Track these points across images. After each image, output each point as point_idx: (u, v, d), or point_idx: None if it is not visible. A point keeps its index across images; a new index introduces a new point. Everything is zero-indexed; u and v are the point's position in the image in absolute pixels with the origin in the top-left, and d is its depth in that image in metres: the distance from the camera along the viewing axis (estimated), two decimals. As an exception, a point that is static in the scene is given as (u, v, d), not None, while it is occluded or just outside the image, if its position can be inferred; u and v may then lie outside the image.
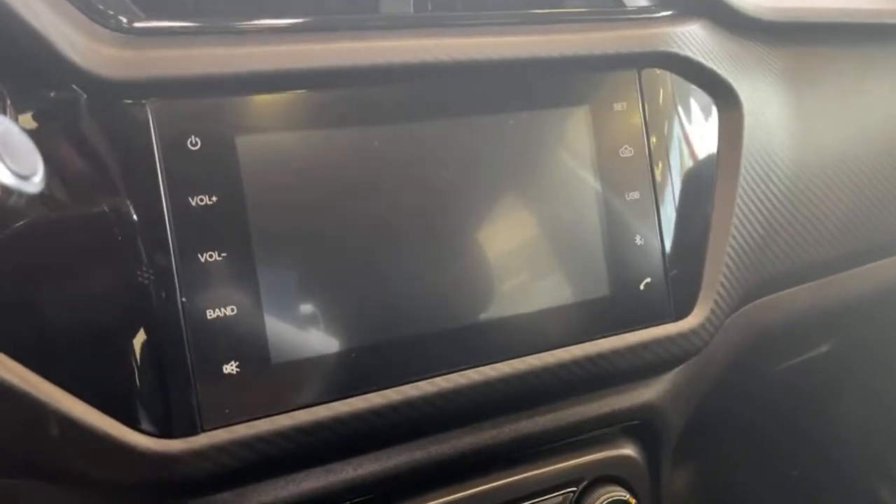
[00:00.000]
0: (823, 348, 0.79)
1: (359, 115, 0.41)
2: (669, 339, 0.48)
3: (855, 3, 0.64)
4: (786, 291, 0.59)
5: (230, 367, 0.38)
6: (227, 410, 0.38)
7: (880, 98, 0.65)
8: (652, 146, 0.49)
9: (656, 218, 0.49)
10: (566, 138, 0.47)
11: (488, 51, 0.44)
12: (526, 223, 0.46)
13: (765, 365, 0.73)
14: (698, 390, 0.56)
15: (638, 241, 0.48)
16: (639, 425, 0.52)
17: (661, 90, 0.50)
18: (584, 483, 0.49)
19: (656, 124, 0.50)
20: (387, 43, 0.42)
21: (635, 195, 0.48)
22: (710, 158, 0.53)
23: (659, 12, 0.52)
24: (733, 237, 0.53)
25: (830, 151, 0.60)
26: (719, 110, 0.53)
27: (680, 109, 0.51)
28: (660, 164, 0.50)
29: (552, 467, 0.48)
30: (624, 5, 0.52)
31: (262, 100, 0.39)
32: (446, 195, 0.43)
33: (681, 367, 0.52)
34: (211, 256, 0.38)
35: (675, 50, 0.50)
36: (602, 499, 0.48)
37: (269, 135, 0.39)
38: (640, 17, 0.51)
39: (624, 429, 0.52)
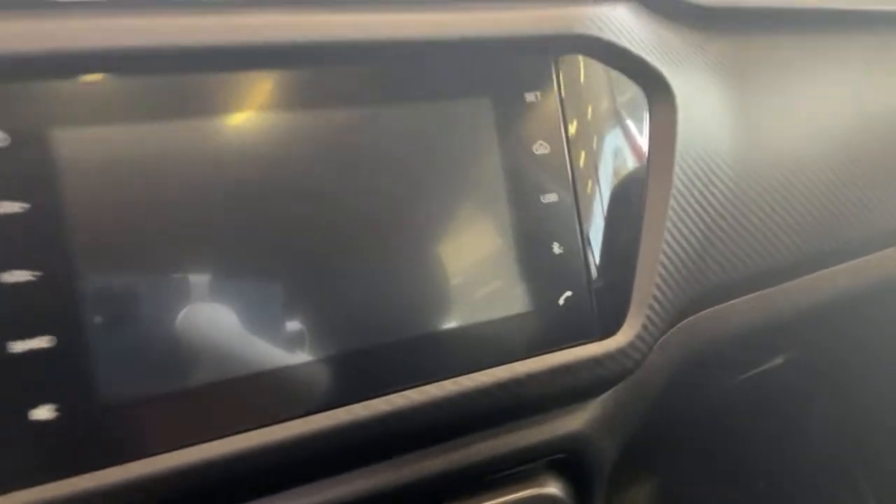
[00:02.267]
0: (779, 360, 0.73)
1: (201, 105, 0.35)
2: (595, 361, 0.42)
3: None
4: (731, 302, 0.53)
5: (43, 413, 0.31)
6: (36, 466, 0.31)
7: (834, 91, 0.60)
8: (571, 142, 0.43)
9: (577, 223, 0.43)
10: (471, 133, 0.41)
11: (375, 30, 0.38)
12: (423, 231, 0.39)
13: (716, 379, 0.68)
14: (634, 414, 0.50)
15: (556, 249, 0.42)
16: (565, 459, 0.46)
17: (582, 79, 0.44)
18: (499, 530, 0.43)
19: (576, 117, 0.44)
20: (251, 19, 0.36)
21: (552, 197, 0.43)
22: (639, 156, 0.47)
23: (580, -8, 0.46)
24: (668, 244, 0.47)
25: (779, 149, 0.55)
26: (650, 103, 0.48)
27: (604, 101, 0.45)
28: (580, 162, 0.44)
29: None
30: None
31: (87, 85, 0.33)
32: (323, 203, 0.37)
33: (612, 390, 0.46)
34: (20, 275, 0.31)
35: (597, 34, 0.44)
36: (518, 549, 0.42)
37: (94, 128, 0.33)
38: (557, -3, 0.45)
39: (548, 464, 0.46)
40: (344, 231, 0.37)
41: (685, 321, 0.50)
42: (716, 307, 0.52)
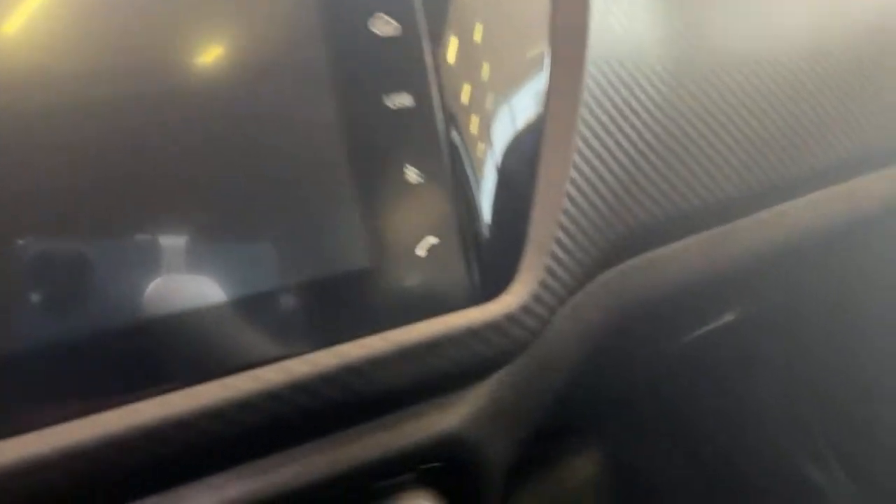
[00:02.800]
0: (730, 317, 0.62)
1: None
2: (472, 334, 0.30)
3: None
4: (666, 248, 0.41)
5: None
6: None
7: None
8: (431, 15, 0.30)
9: (440, 136, 0.30)
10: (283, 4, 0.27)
11: None
12: (221, 146, 0.26)
13: (651, 345, 0.56)
14: (537, 400, 0.38)
15: (410, 175, 0.29)
16: (440, 469, 0.33)
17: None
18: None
19: (439, -16, 0.30)
20: None
21: (403, 100, 0.29)
22: (534, 44, 0.34)
23: None
24: (577, 169, 0.34)
25: (728, 52, 0.42)
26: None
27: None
28: (447, 49, 0.30)
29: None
30: None
31: None
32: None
33: (503, 372, 0.34)
34: None
35: None
36: None
37: None
38: None
39: (420, 476, 0.33)
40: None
41: (604, 274, 0.38)
42: (645, 254, 0.40)
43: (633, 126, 0.37)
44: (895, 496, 0.86)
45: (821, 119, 0.46)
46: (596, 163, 0.35)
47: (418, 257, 0.29)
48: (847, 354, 0.85)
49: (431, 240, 0.29)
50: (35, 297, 0.24)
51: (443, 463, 0.33)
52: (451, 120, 0.30)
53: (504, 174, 0.32)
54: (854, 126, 0.47)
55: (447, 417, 0.32)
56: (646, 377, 0.83)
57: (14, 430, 0.23)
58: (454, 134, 0.30)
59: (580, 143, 0.34)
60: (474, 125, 0.31)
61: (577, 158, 0.34)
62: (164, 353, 0.25)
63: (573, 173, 0.34)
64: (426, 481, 0.33)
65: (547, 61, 0.33)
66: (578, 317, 0.36)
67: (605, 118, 0.36)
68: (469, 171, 0.31)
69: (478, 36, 0.32)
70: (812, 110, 0.45)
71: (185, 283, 0.26)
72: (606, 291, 0.38)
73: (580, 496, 1.02)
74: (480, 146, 0.31)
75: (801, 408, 0.91)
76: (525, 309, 0.31)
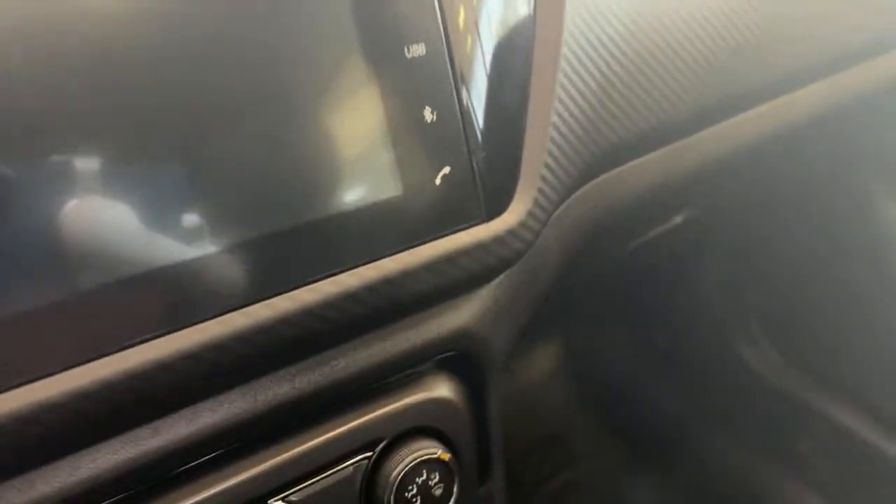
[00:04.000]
0: (678, 219, 0.70)
1: None
2: (481, 247, 0.36)
3: None
4: (631, 163, 0.47)
5: None
6: None
7: None
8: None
9: (451, 81, 0.35)
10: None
11: None
12: (270, 102, 0.31)
13: (608, 248, 0.64)
14: (529, 298, 0.45)
15: (428, 115, 0.34)
16: (455, 356, 0.40)
17: None
18: (383, 444, 0.37)
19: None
20: None
21: (419, 49, 0.34)
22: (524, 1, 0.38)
23: None
24: (561, 102, 0.40)
25: None
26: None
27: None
28: (454, 4, 0.35)
29: (339, 430, 0.36)
30: None
31: None
32: (186, 89, 0.28)
33: (503, 275, 0.40)
34: None
35: None
36: (405, 462, 0.37)
37: None
38: None
39: (439, 364, 0.40)
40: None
41: (581, 190, 0.44)
42: (614, 170, 0.46)
43: (603, 61, 0.42)
44: (819, 372, 0.98)
45: (760, 42, 0.52)
46: (575, 97, 0.41)
47: (435, 185, 0.35)
48: (781, 248, 0.95)
49: (446, 170, 0.35)
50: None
51: (457, 352, 0.40)
52: (457, 64, 0.35)
53: (501, 111, 0.37)
54: (787, 48, 0.53)
55: (459, 316, 0.39)
56: (602, 274, 0.91)
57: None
58: (461, 76, 0.35)
59: (562, 80, 0.40)
60: (477, 70, 0.36)
61: (560, 93, 0.40)
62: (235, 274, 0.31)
63: (557, 106, 0.39)
64: (443, 367, 0.40)
65: (532, 14, 0.38)
66: (559, 228, 0.43)
67: (581, 56, 0.41)
68: (474, 109, 0.36)
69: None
70: (751, 33, 0.51)
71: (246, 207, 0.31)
72: (582, 204, 0.45)
73: (544, 383, 1.12)
74: (483, 88, 0.36)
75: (740, 297, 1.01)
76: (522, 224, 0.37)
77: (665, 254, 0.85)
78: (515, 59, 0.38)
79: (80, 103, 0.27)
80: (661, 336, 1.08)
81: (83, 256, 0.28)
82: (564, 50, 0.40)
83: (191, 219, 0.29)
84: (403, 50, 0.33)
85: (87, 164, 0.27)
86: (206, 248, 0.30)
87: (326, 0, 0.31)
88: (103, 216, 0.28)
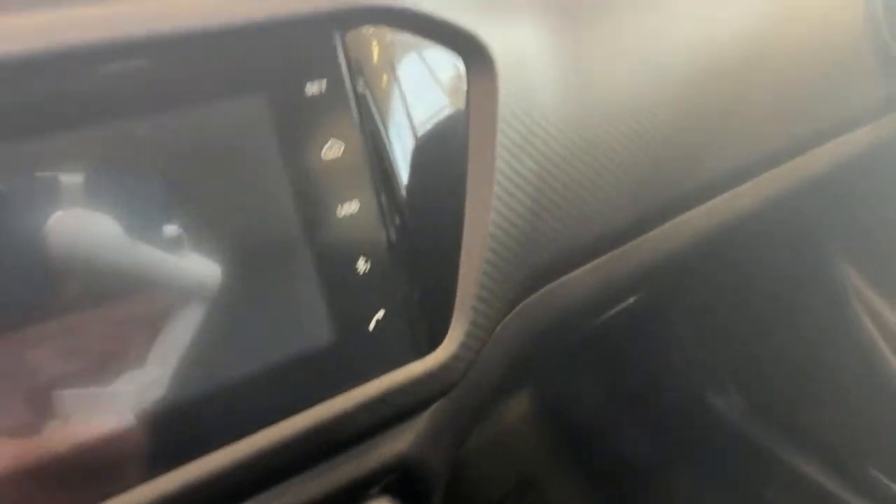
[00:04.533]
0: (631, 300, 0.72)
1: None
2: (415, 383, 0.38)
3: None
4: (572, 274, 0.50)
5: None
6: None
7: (676, 23, 0.54)
8: (369, 136, 0.36)
9: (384, 232, 0.37)
10: (246, 140, 0.33)
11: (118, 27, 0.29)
12: (215, 260, 0.33)
13: (562, 337, 0.66)
14: (470, 412, 0.47)
15: (361, 267, 0.37)
16: (397, 478, 0.42)
17: (377, 56, 0.37)
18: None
19: (373, 105, 0.37)
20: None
21: (352, 207, 0.36)
22: (455, 137, 0.40)
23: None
24: (497, 227, 0.42)
25: (614, 98, 0.49)
26: (467, 71, 0.41)
27: (407, 79, 0.38)
28: (384, 159, 0.37)
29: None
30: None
31: None
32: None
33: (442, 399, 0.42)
34: None
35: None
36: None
37: None
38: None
39: (383, 487, 0.42)
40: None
41: (520, 306, 0.46)
42: (554, 283, 0.49)
43: (539, 179, 0.44)
44: (786, 422, 1.00)
45: (695, 146, 0.54)
46: (509, 220, 0.43)
47: (370, 331, 0.37)
48: (745, 302, 0.97)
49: (379, 315, 0.37)
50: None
51: (399, 475, 0.42)
52: (389, 215, 0.37)
53: (435, 250, 0.39)
54: (724, 151, 0.56)
55: (398, 443, 0.41)
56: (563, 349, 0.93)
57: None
58: (392, 226, 0.37)
59: (497, 205, 0.41)
60: (410, 216, 0.38)
61: (495, 218, 0.41)
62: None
63: (492, 232, 0.41)
64: (387, 490, 0.42)
65: (464, 150, 0.40)
66: (500, 344, 0.45)
67: (514, 180, 0.43)
68: (407, 254, 0.38)
69: (403, 139, 0.38)
70: (683, 141, 0.53)
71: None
72: (522, 319, 0.47)
73: (515, 428, 1.14)
74: (416, 231, 0.38)
75: (708, 347, 1.04)
76: (456, 356, 0.39)
77: (627, 316, 0.87)
78: (448, 195, 0.40)
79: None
80: (631, 381, 1.10)
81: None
82: (499, 177, 0.42)
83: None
84: (337, 209, 0.35)
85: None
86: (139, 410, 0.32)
87: (262, 161, 0.33)
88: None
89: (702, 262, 0.75)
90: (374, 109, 0.37)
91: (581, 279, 0.50)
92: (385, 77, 0.37)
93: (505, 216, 0.42)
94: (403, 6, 0.36)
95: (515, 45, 0.42)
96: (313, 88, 0.34)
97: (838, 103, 0.66)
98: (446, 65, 0.40)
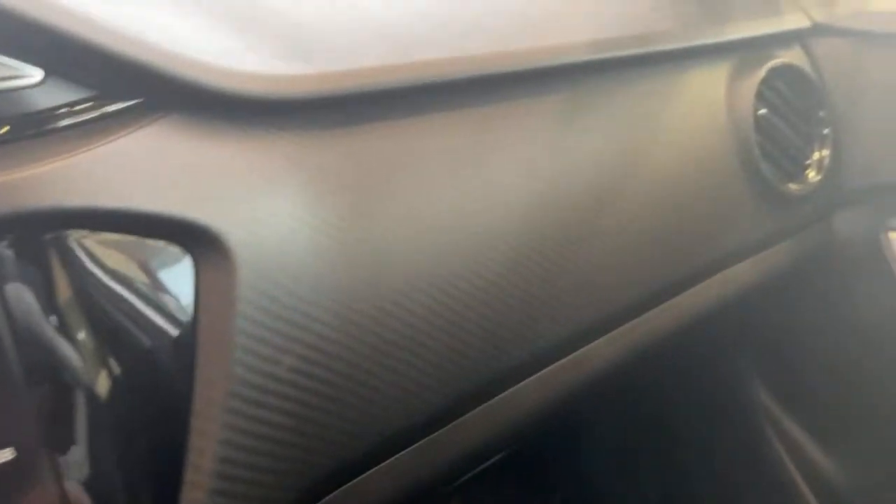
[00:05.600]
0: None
1: None
2: None
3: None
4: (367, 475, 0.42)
5: None
6: None
7: (494, 180, 0.47)
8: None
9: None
10: None
11: None
12: None
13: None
14: None
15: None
16: None
17: (82, 257, 0.31)
18: None
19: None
20: None
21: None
22: (178, 354, 0.34)
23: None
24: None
25: (403, 271, 0.42)
26: (195, 264, 0.35)
27: (115, 285, 0.32)
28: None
29: None
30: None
31: None
32: None
33: None
34: None
35: (79, 204, 0.31)
36: None
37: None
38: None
39: None
40: None
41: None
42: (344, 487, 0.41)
43: (298, 380, 0.37)
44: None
45: (524, 315, 0.48)
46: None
47: None
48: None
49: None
50: None
51: None
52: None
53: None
54: (560, 314, 0.49)
55: None
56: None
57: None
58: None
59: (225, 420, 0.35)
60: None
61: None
62: None
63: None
64: None
65: (191, 364, 0.34)
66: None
67: (264, 389, 0.36)
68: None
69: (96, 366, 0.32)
70: (517, 305, 0.47)
71: None
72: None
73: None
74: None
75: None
76: None
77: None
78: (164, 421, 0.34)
79: None
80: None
81: None
82: (234, 391, 0.35)
83: None
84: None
85: None
86: None
87: None
88: None
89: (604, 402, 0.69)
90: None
91: (380, 479, 0.43)
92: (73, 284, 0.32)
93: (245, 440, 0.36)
94: (107, 207, 0.31)
95: (269, 223, 0.37)
96: None
97: (713, 240, 0.61)
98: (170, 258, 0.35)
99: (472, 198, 0.46)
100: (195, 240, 0.34)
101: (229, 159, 0.36)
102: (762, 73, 0.65)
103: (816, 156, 0.69)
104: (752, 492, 0.87)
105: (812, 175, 0.69)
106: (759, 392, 0.88)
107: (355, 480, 0.42)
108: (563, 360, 0.51)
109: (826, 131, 0.70)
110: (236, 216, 0.35)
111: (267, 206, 0.37)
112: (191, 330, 0.34)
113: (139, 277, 0.33)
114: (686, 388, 0.89)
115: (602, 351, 0.53)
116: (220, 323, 0.35)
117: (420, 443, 0.44)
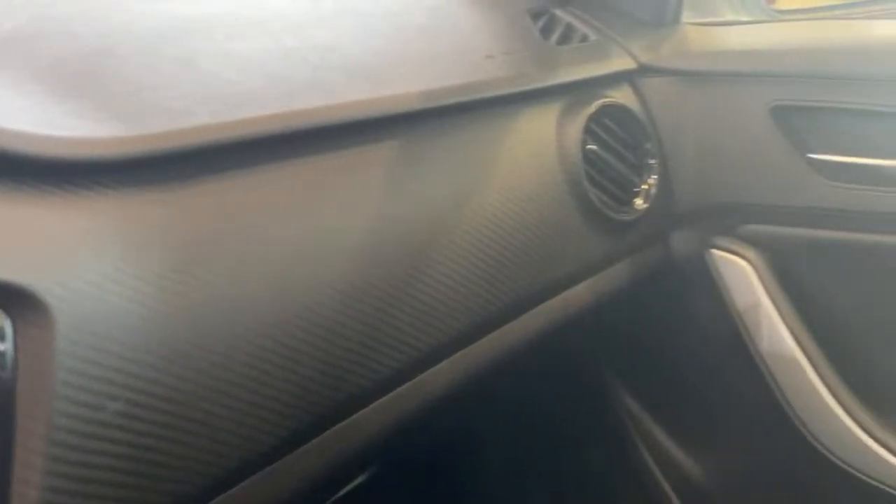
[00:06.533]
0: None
1: None
2: None
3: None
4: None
5: None
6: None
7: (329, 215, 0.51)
8: None
9: None
10: None
11: None
12: None
13: None
14: None
15: None
16: None
17: None
18: None
19: None
20: None
21: None
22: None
23: None
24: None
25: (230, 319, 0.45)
26: (13, 324, 0.37)
27: None
28: None
29: None
30: None
31: None
32: None
33: None
34: None
35: None
36: None
37: None
38: None
39: None
40: None
41: None
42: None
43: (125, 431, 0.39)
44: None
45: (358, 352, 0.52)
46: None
47: None
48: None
49: None
50: None
51: None
52: None
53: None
54: (394, 344, 0.54)
55: None
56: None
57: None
58: None
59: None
60: None
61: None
62: None
63: None
64: None
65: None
66: None
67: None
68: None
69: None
70: (345, 345, 0.51)
71: None
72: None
73: None
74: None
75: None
76: None
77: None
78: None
79: None
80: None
81: None
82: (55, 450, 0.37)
83: None
84: None
85: None
86: None
87: None
88: None
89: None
90: None
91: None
92: None
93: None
94: None
95: (76, 283, 0.39)
96: None
97: (543, 267, 0.66)
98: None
99: (303, 245, 0.49)
100: (10, 298, 0.37)
101: (47, 220, 0.39)
102: (591, 110, 0.72)
103: (644, 185, 0.77)
104: (623, 495, 0.93)
105: (639, 202, 0.76)
106: (625, 399, 0.95)
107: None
108: (403, 387, 0.55)
109: (653, 161, 0.77)
110: (54, 274, 0.38)
111: (86, 263, 0.40)
112: (10, 384, 0.37)
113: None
114: (562, 398, 0.94)
115: (443, 375, 0.58)
116: (39, 375, 0.37)
117: (261, 472, 0.47)
